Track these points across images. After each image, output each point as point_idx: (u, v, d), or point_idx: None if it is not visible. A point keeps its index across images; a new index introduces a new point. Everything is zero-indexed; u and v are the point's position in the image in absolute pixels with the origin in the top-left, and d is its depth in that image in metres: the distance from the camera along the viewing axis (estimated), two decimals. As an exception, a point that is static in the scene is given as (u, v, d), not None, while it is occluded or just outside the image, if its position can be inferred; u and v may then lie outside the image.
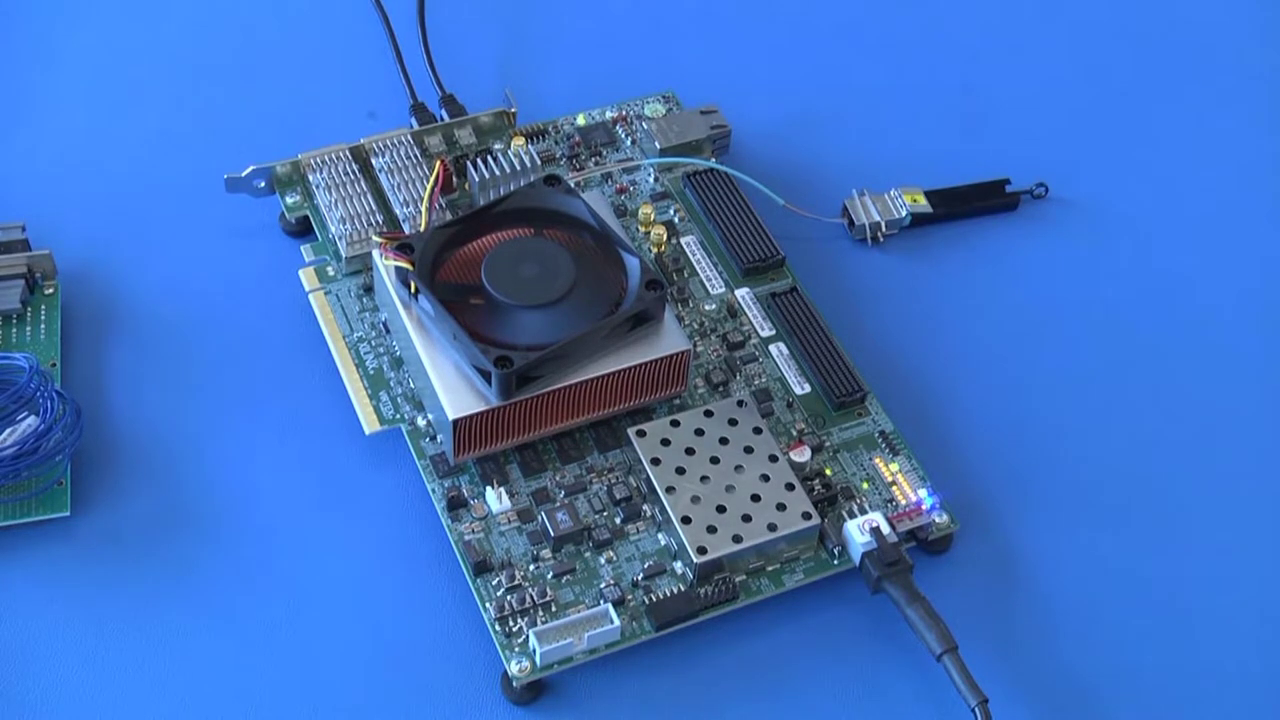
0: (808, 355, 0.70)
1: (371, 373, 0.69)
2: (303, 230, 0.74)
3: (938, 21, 0.88)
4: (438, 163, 0.72)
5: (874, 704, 0.62)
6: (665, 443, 0.65)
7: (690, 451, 0.65)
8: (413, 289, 0.65)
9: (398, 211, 0.72)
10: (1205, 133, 0.83)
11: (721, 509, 0.64)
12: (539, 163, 0.74)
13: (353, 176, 0.73)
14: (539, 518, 0.64)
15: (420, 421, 0.67)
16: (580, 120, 0.78)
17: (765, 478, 0.64)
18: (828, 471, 0.66)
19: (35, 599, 0.63)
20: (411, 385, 0.68)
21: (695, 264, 0.73)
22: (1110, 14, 0.89)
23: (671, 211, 0.75)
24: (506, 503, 0.65)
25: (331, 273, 0.72)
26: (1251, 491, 0.69)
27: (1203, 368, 0.73)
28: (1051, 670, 0.63)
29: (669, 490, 0.64)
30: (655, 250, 0.73)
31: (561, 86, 0.81)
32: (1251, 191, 0.81)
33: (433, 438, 0.67)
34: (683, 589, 0.63)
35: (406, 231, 0.70)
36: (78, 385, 0.69)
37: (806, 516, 0.63)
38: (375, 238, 0.68)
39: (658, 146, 0.76)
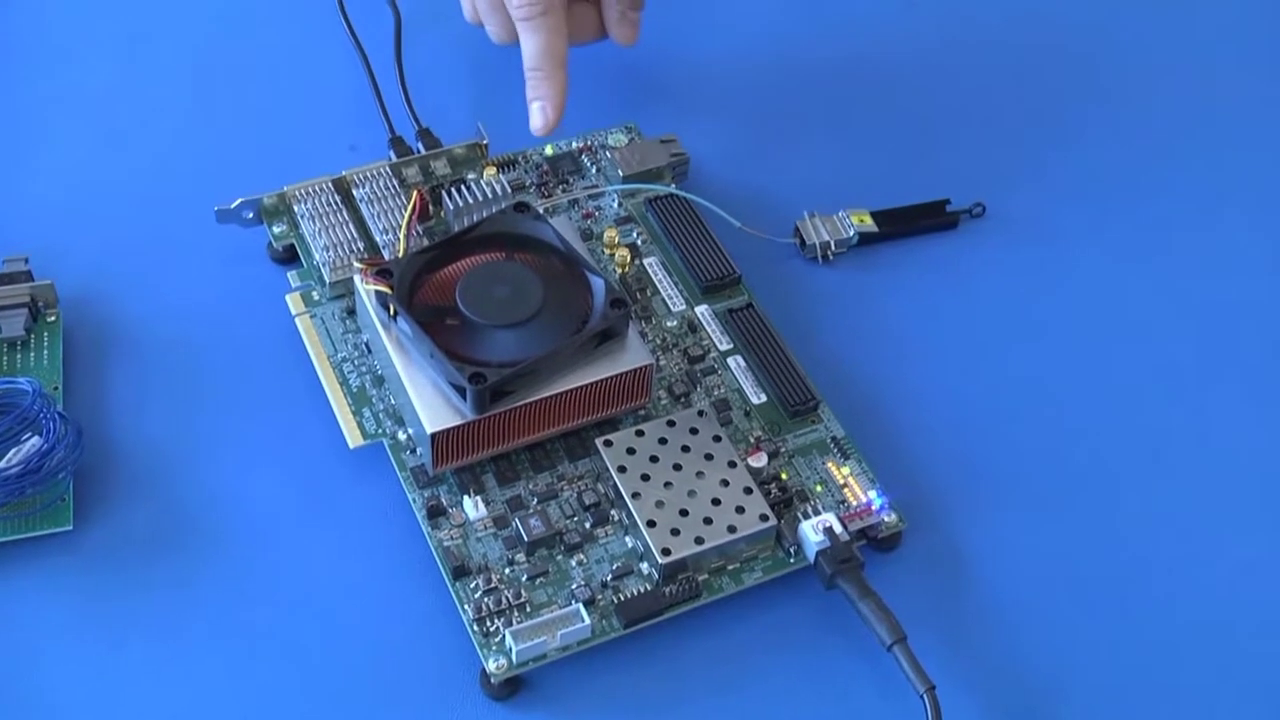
0: (763, 367, 0.70)
1: (355, 390, 0.68)
2: (289, 258, 0.74)
3: (880, 53, 0.88)
4: (415, 192, 0.72)
5: (829, 692, 0.62)
6: (631, 451, 0.65)
7: (654, 459, 0.65)
8: (392, 311, 0.65)
9: (378, 239, 0.72)
10: (1130, 152, 0.83)
11: (684, 513, 0.63)
12: (510, 191, 0.74)
13: (335, 206, 0.73)
14: (513, 524, 0.64)
15: (401, 436, 0.67)
16: (548, 150, 0.78)
17: (725, 483, 0.64)
18: (783, 475, 0.66)
19: (40, 608, 0.62)
20: (392, 402, 0.68)
21: (657, 283, 0.73)
22: (1040, 43, 0.89)
23: (634, 234, 0.75)
24: (483, 510, 0.64)
25: (316, 297, 0.71)
26: (1182, 483, 0.69)
27: (1132, 369, 0.73)
28: (995, 658, 0.63)
29: (635, 496, 0.64)
30: (620, 271, 0.73)
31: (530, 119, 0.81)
32: (1174, 206, 0.81)
33: (413, 450, 0.66)
34: (649, 588, 0.62)
35: (386, 257, 0.70)
36: (79, 407, 0.68)
37: (764, 518, 0.63)
38: (357, 264, 0.68)
39: (621, 174, 0.76)
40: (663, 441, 0.65)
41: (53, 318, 0.70)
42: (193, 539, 0.65)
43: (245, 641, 0.62)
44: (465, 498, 0.65)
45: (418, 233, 0.72)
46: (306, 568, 0.64)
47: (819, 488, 0.66)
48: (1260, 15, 0.92)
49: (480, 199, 0.73)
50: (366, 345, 0.70)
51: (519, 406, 0.64)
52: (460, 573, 0.62)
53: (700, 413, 0.67)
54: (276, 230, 0.73)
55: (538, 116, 0.75)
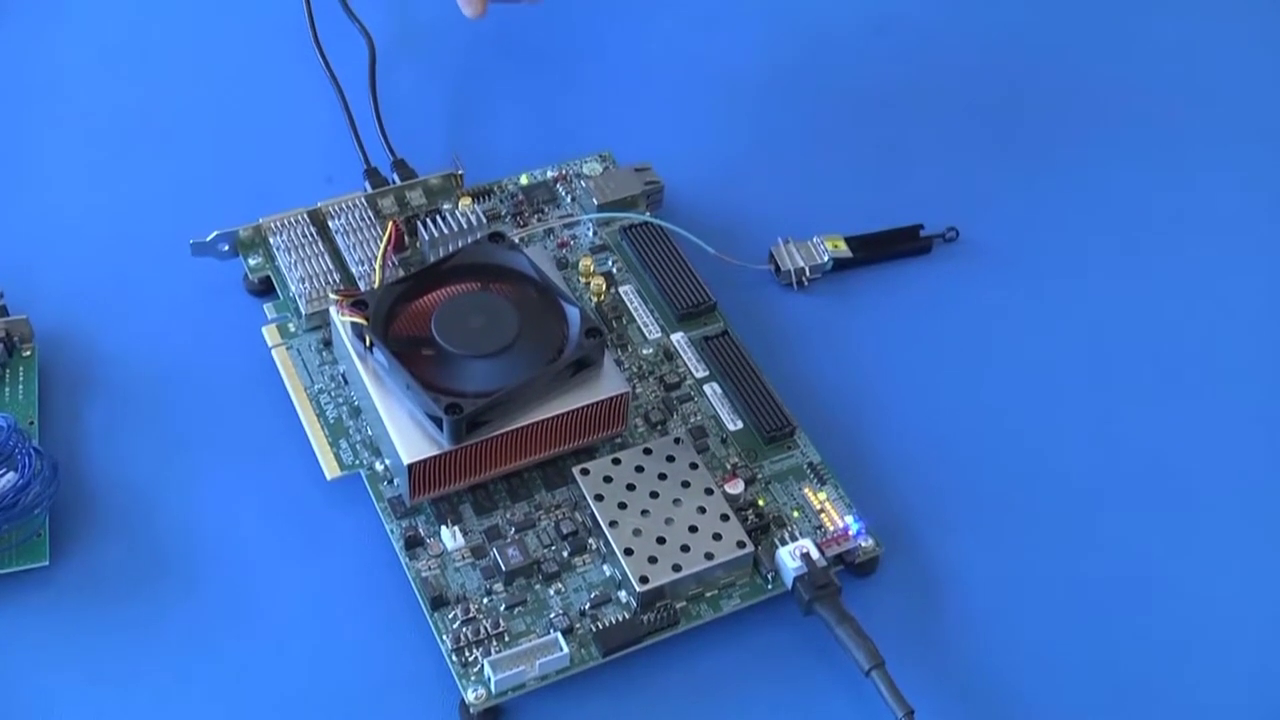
0: (739, 394, 0.70)
1: (331, 422, 0.68)
2: (265, 290, 0.73)
3: (853, 79, 0.88)
4: (390, 223, 0.72)
5: (808, 718, 0.62)
6: (608, 480, 0.65)
7: (631, 487, 0.65)
8: (368, 342, 0.65)
9: (353, 270, 0.72)
10: (1105, 175, 0.84)
11: (662, 540, 0.63)
12: (485, 221, 0.74)
13: (311, 238, 0.73)
14: (491, 553, 0.64)
15: (378, 466, 0.67)
16: (523, 180, 0.78)
17: (702, 510, 0.64)
18: (760, 502, 0.66)
19: (15, 644, 0.62)
20: (369, 433, 0.68)
21: (633, 311, 0.73)
22: (1013, 66, 0.90)
23: (610, 263, 0.75)
24: (460, 540, 0.65)
25: (292, 329, 0.72)
26: (1157, 505, 0.70)
27: (1106, 393, 0.74)
28: (973, 681, 0.63)
29: (612, 524, 0.64)
30: (595, 299, 0.73)
31: (505, 149, 0.81)
32: (1151, 230, 0.82)
33: (390, 481, 0.66)
34: (627, 616, 0.63)
35: (362, 289, 0.70)
36: (55, 441, 0.68)
37: (741, 545, 0.64)
38: (332, 295, 0.68)
39: (595, 203, 0.76)
40: (639, 469, 0.66)
41: (28, 352, 0.70)
42: (170, 573, 0.65)
43: (223, 675, 0.62)
44: (443, 528, 0.65)
45: (393, 264, 0.72)
46: (284, 600, 0.64)
47: (796, 513, 0.66)
48: (1238, 42, 0.93)
49: (455, 229, 0.73)
50: (343, 376, 0.70)
51: (495, 436, 0.64)
52: (438, 603, 0.63)
53: (677, 440, 0.67)
54: (252, 262, 0.74)
55: (465, 5, 0.75)
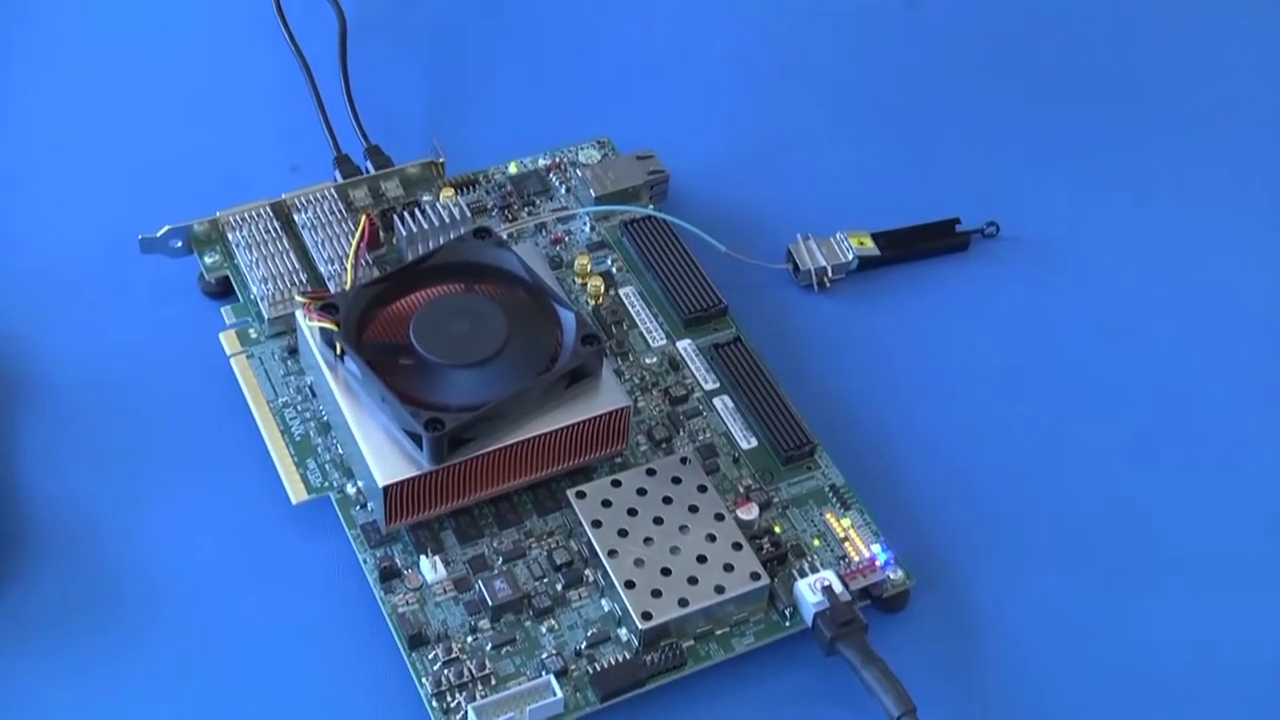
0: (753, 408, 0.70)
1: (298, 439, 0.68)
2: (223, 291, 0.74)
3: (881, 58, 0.89)
4: (363, 217, 0.73)
5: (831, 771, 0.62)
6: (606, 504, 0.65)
7: (633, 512, 0.65)
8: (338, 350, 0.65)
9: (322, 269, 0.72)
10: (1159, 165, 0.84)
11: (666, 571, 0.63)
12: (469, 215, 0.74)
13: (274, 234, 0.73)
14: (476, 586, 0.64)
15: (350, 489, 0.67)
16: (512, 169, 0.78)
17: (711, 537, 0.64)
18: (777, 529, 0.66)
19: (-59, 690, 0.62)
20: (340, 451, 0.68)
21: (634, 316, 0.73)
22: (1056, 51, 0.90)
23: (609, 261, 0.75)
24: (442, 572, 0.64)
25: (254, 335, 0.72)
26: (1209, 535, 0.69)
27: (1157, 408, 0.74)
28: (1015, 730, 0.63)
29: (611, 554, 0.64)
30: (592, 302, 0.73)
31: (492, 134, 0.82)
32: (1199, 229, 0.82)
33: (363, 505, 0.66)
34: (628, 657, 0.62)
35: (331, 290, 0.70)
36: (-13, 461, 0.68)
37: (755, 577, 0.63)
38: (298, 298, 0.68)
39: (593, 194, 0.76)
40: (642, 492, 0.65)
41: (-41, 361, 0.70)
42: (117, 608, 0.64)
43: (179, 720, 0.62)
44: (422, 558, 0.65)
45: (367, 262, 0.72)
46: (245, 638, 0.64)
47: (816, 542, 0.66)
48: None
49: (436, 224, 0.73)
50: (310, 388, 0.70)
51: (481, 455, 0.64)
52: (417, 642, 0.62)
53: (683, 460, 0.67)
54: (209, 261, 0.73)
55: None
